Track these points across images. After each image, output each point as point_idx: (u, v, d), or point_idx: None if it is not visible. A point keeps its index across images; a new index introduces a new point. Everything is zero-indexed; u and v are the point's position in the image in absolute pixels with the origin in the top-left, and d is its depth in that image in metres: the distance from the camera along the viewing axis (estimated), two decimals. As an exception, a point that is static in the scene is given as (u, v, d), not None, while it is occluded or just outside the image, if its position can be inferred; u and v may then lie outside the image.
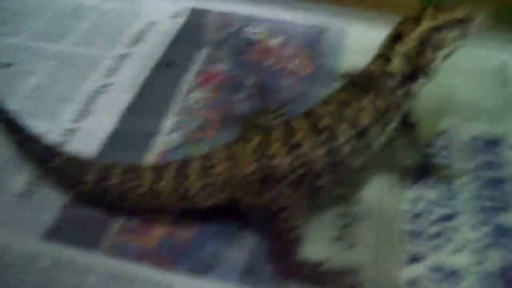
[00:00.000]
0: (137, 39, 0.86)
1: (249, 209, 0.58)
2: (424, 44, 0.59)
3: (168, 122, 0.73)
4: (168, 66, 0.81)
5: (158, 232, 0.60)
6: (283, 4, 0.94)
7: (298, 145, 0.57)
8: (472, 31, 0.60)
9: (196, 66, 0.82)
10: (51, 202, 0.63)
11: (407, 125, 0.63)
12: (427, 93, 0.78)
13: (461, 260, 0.59)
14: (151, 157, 0.68)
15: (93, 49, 0.84)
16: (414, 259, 0.59)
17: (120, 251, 0.58)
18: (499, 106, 0.78)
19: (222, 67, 0.82)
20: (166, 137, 0.71)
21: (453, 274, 0.58)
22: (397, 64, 0.59)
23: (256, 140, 0.59)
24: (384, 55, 0.60)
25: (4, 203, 0.62)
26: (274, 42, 0.87)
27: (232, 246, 0.60)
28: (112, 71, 0.80)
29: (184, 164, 0.60)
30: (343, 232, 0.62)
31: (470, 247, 0.61)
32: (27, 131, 0.65)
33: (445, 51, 0.60)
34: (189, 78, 0.80)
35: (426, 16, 0.59)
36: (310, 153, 0.57)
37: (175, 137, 0.71)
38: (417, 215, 0.64)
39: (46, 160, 0.63)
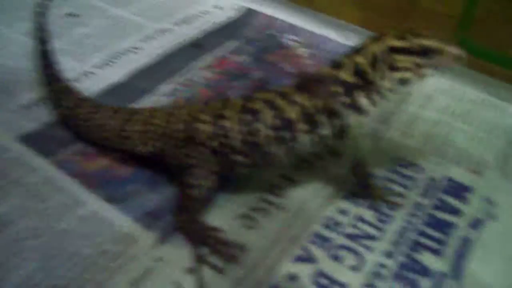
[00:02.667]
0: (185, 21, 0.97)
1: (171, 160, 0.64)
2: (378, 60, 0.59)
3: (167, 87, 0.82)
4: (196, 47, 0.90)
5: (102, 162, 0.69)
6: (327, 21, 0.98)
7: (224, 118, 0.61)
8: (441, 63, 0.58)
9: (219, 53, 0.91)
10: (40, 118, 0.75)
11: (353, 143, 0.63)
12: (426, 124, 0.78)
13: (353, 278, 0.58)
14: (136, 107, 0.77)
15: (145, 19, 0.98)
16: (307, 259, 0.59)
17: (65, 165, 0.68)
18: (490, 162, 0.73)
19: (239, 58, 0.89)
20: (157, 98, 0.80)
21: (339, 286, 0.57)
22: (347, 71, 0.60)
23: (198, 106, 0.65)
24: (340, 62, 0.61)
25: (6, 107, 0.77)
26: (303, 51, 0.92)
27: (153, 191, 0.66)
28: (148, 39, 0.92)
29: (137, 111, 0.68)
30: (253, 213, 0.64)
31: (371, 270, 0.59)
32: (50, 60, 0.79)
33: (402, 74, 0.58)
34: (208, 59, 0.88)
35: (389, 35, 0.59)
36: (232, 128, 0.61)
37: (165, 100, 0.79)
38: (336, 224, 0.63)
39: (49, 83, 0.76)
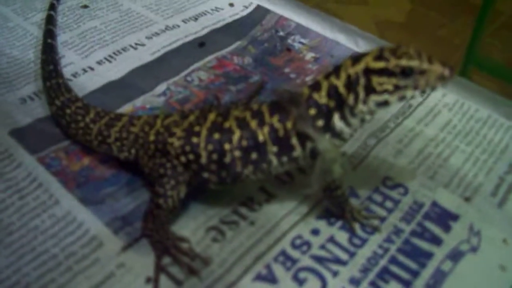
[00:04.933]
0: (195, 18, 0.96)
1: (143, 168, 0.64)
2: (352, 82, 0.56)
3: (162, 87, 0.82)
4: (200, 46, 0.90)
5: (84, 161, 0.70)
6: (339, 25, 0.95)
7: (195, 134, 0.61)
8: (423, 84, 0.54)
9: (220, 52, 0.89)
10: (34, 112, 0.77)
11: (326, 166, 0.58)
12: (423, 141, 0.75)
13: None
14: (128, 108, 0.78)
15: (155, 14, 0.98)
16: (268, 279, 0.58)
17: (49, 162, 0.70)
18: (483, 187, 0.69)
19: (241, 60, 0.88)
20: (151, 98, 0.80)
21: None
22: (324, 94, 0.57)
23: (174, 117, 0.65)
24: (318, 83, 0.59)
25: (5, 99, 0.79)
26: (309, 55, 0.89)
27: (128, 196, 0.66)
28: (154, 35, 0.92)
29: (119, 117, 0.69)
30: (222, 226, 0.63)
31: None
32: (51, 54, 0.81)
33: (380, 96, 0.55)
34: (208, 60, 0.88)
35: (369, 56, 0.56)
36: (201, 145, 0.60)
37: (158, 100, 0.80)
38: (304, 244, 0.62)
39: (47, 78, 0.77)
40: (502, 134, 0.77)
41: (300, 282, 0.58)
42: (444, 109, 0.80)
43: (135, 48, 0.89)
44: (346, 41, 0.91)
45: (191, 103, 0.79)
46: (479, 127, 0.78)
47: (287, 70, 0.86)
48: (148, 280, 0.58)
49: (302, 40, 0.92)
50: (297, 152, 0.59)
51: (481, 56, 0.80)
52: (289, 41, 0.92)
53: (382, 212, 0.65)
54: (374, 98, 0.56)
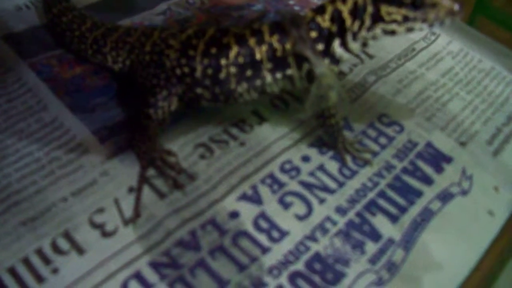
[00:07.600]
0: None
1: (137, 78, 0.62)
2: (359, 9, 0.54)
3: (163, 6, 0.80)
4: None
5: (77, 70, 0.68)
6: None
7: (191, 47, 0.59)
8: (432, 17, 0.52)
9: (226, -22, 0.87)
10: (29, 20, 0.75)
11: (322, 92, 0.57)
12: (422, 84, 0.73)
13: (295, 226, 0.55)
14: (126, 23, 0.76)
15: None
16: (253, 199, 0.57)
17: (41, 68, 0.68)
18: (479, 135, 0.67)
19: (245, -13, 0.85)
20: (151, 15, 0.78)
21: (278, 231, 0.55)
22: (327, 18, 0.56)
23: (173, 30, 0.63)
24: (323, 6, 0.57)
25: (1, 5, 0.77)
26: (315, -11, 0.87)
27: (118, 106, 0.65)
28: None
29: (114, 27, 0.67)
30: (211, 144, 0.62)
31: (316, 222, 0.56)
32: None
33: (387, 25, 0.54)
34: (212, -16, 0.85)
35: None
36: (196, 59, 0.58)
37: (157, 18, 0.77)
38: (293, 169, 0.61)
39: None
40: (504, 87, 0.75)
41: (286, 205, 0.58)
42: (448, 56, 0.78)
43: (139, -34, 0.86)
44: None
45: (190, 24, 0.77)
46: (481, 78, 0.76)
47: (291, 2, 0.83)
48: (130, 190, 0.57)
49: (310, -27, 0.89)
50: (292, 70, 0.58)
51: (491, 5, 0.78)
52: (297, -26, 0.89)
53: (375, 147, 0.64)
54: (381, 26, 0.55)
